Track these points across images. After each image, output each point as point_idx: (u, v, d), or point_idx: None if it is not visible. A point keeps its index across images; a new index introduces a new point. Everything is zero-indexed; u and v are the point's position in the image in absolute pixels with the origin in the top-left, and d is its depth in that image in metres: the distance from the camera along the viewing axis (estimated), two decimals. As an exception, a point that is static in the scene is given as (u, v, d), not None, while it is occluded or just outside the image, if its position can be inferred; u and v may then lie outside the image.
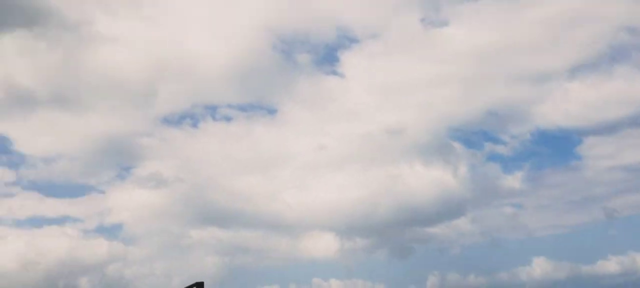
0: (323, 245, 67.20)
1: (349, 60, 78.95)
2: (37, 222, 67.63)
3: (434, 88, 77.01)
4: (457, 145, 77.78)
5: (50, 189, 72.03)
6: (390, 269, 68.77)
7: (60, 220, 67.58)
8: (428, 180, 70.20)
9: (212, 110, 75.98)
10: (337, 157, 74.12)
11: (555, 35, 78.33)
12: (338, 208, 69.36)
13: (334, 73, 79.95)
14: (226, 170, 72.79)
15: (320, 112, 79.21)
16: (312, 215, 69.38)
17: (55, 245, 58.51)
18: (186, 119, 75.35)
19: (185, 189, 68.48)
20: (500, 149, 79.04)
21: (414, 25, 78.66)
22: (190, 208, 68.68)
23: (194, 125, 74.34)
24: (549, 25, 77.29)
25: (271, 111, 78.20)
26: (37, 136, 70.23)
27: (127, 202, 68.33)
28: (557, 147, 79.91)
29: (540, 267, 64.79)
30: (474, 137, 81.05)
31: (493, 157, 79.61)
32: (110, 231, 68.25)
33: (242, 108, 77.43)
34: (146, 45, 73.62)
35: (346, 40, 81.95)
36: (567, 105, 78.09)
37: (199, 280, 8.35)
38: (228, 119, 75.18)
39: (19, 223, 64.85)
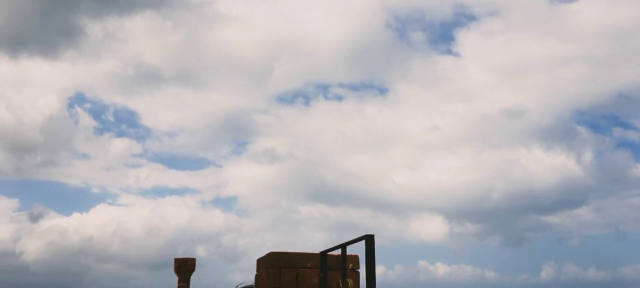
0: (431, 228, 65.29)
1: (466, 38, 75.43)
2: (160, 192, 71.66)
3: (559, 68, 71.79)
4: (583, 130, 72.28)
5: (173, 161, 75.76)
6: (502, 257, 65.59)
7: (181, 191, 71.15)
8: (548, 166, 65.99)
9: (324, 89, 76.10)
10: (450, 139, 71.60)
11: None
12: (449, 191, 67.21)
13: (450, 52, 76.78)
14: (336, 148, 72.83)
15: (434, 92, 76.80)
16: (422, 197, 67.77)
17: (177, 214, 61.73)
18: (299, 97, 76.09)
19: (296, 166, 69.44)
20: (631, 135, 72.39)
21: (539, 1, 73.70)
22: (301, 185, 69.64)
23: (307, 103, 74.88)
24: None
25: (383, 91, 76.88)
26: (161, 111, 74.01)
27: (243, 176, 70.53)
28: (698, 134, 72.01)
29: (670, 263, 58.88)
30: (602, 121, 74.83)
31: (623, 143, 73.23)
32: (226, 203, 70.92)
33: (354, 87, 76.80)
34: (263, 24, 74.86)
35: (463, 17, 78.35)
36: None
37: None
38: (340, 98, 74.93)
39: (144, 192, 68.98)
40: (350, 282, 6.58)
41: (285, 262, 8.07)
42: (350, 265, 8.09)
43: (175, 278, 21.34)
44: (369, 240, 6.27)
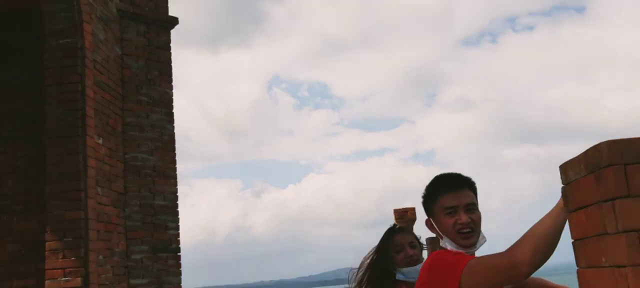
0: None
1: None
2: (360, 155, 72.56)
3: None
4: None
5: (368, 124, 75.90)
6: None
7: (380, 152, 71.19)
8: None
9: (511, 22, 70.08)
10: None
11: None
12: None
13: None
14: (534, 82, 66.68)
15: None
16: (648, 121, 58.42)
17: (379, 174, 61.51)
18: (484, 36, 70.88)
19: (492, 108, 64.88)
20: None
21: None
22: (500, 127, 65.06)
23: (493, 41, 69.65)
24: None
25: (579, 9, 68.41)
26: (349, 78, 74.67)
27: (436, 128, 68.24)
28: None
29: None
30: None
31: None
32: (424, 157, 69.51)
33: (545, 12, 69.51)
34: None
35: None
36: None
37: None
38: (530, 27, 68.36)
39: (346, 157, 70.19)
40: None
41: (632, 155, 4.95)
42: None
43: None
44: None
